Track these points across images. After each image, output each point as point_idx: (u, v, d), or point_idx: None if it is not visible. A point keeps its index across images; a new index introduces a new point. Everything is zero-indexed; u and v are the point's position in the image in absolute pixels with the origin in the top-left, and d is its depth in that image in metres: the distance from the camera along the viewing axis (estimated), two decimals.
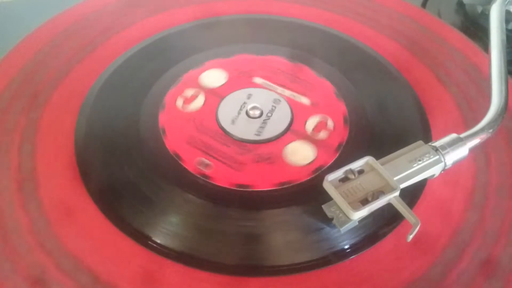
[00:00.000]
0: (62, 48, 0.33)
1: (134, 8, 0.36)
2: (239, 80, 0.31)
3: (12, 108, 0.29)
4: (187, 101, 0.29)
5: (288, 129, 0.28)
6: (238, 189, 0.25)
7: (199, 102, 0.29)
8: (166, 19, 0.35)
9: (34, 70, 0.31)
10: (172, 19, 0.35)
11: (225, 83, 0.31)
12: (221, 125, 0.28)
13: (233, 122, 0.28)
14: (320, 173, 0.26)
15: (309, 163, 0.27)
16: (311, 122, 0.29)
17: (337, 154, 0.27)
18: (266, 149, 0.27)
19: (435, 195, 0.26)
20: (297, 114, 0.29)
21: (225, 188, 0.25)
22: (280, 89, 0.30)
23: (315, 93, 0.30)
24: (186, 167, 0.26)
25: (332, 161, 0.27)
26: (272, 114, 0.29)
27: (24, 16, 0.43)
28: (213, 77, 0.31)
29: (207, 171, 0.26)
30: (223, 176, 0.26)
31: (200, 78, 0.31)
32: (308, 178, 0.26)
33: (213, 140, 0.27)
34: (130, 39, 0.33)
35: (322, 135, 0.28)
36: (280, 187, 0.25)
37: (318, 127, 0.28)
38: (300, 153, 0.27)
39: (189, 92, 0.29)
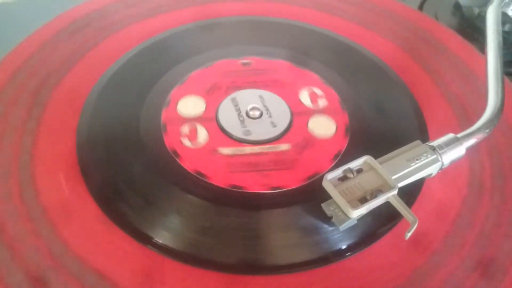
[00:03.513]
0: (63, 48, 0.33)
1: (135, 7, 0.37)
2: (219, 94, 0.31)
3: (14, 107, 0.29)
4: (191, 137, 0.28)
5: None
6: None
7: (203, 135, 0.28)
8: (168, 19, 0.36)
9: (35, 69, 0.31)
10: (174, 19, 0.36)
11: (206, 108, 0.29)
12: (234, 136, 0.28)
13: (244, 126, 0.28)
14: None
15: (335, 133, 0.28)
16: (305, 96, 0.29)
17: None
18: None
19: (433, 194, 0.27)
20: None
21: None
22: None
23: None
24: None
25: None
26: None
27: (26, 17, 0.43)
28: (192, 104, 0.29)
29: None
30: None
31: (178, 109, 0.29)
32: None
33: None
34: (132, 39, 0.34)
35: (322, 103, 0.29)
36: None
37: (313, 99, 0.29)
38: (323, 126, 0.28)
39: (186, 129, 0.28)
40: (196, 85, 0.30)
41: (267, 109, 0.29)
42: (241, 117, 0.29)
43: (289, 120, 0.29)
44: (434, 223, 0.26)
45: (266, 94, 0.30)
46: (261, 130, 0.28)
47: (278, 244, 0.24)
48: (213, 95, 0.30)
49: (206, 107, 0.29)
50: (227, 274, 0.23)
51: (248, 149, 0.27)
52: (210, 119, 0.29)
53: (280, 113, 0.29)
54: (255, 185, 0.26)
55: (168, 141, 0.27)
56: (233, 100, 0.30)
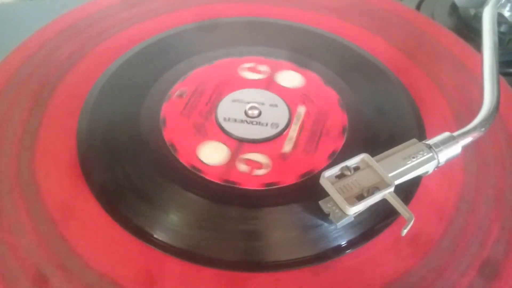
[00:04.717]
0: (63, 49, 0.33)
1: (135, 9, 0.37)
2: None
3: (14, 108, 0.29)
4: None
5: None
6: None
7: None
8: (166, 20, 0.36)
9: (35, 70, 0.32)
10: (172, 20, 0.36)
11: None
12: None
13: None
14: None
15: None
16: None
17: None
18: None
19: (430, 191, 0.27)
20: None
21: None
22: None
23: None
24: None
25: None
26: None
27: (26, 17, 0.43)
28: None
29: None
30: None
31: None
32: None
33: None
34: (130, 40, 0.34)
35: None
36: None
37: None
38: None
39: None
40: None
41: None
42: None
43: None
44: (431, 220, 0.26)
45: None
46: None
47: (278, 241, 0.24)
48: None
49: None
50: (228, 271, 0.23)
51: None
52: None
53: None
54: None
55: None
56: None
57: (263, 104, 0.30)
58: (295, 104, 0.30)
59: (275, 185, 0.26)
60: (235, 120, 0.29)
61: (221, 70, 0.32)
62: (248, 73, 0.32)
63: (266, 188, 0.26)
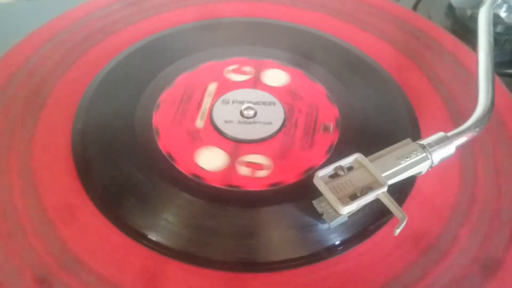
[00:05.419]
0: (60, 49, 0.33)
1: (132, 9, 0.37)
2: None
3: (8, 111, 0.29)
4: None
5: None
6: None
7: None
8: (163, 20, 0.36)
9: (30, 72, 0.32)
10: (169, 20, 0.36)
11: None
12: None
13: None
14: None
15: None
16: None
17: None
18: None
19: (424, 191, 0.27)
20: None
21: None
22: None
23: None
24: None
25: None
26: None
27: (23, 17, 0.43)
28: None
29: None
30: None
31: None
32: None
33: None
34: (126, 40, 0.34)
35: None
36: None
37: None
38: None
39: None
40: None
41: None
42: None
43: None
44: (427, 220, 0.26)
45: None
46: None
47: (274, 241, 0.24)
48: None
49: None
50: (225, 272, 0.23)
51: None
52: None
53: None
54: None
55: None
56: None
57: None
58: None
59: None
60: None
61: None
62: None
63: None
